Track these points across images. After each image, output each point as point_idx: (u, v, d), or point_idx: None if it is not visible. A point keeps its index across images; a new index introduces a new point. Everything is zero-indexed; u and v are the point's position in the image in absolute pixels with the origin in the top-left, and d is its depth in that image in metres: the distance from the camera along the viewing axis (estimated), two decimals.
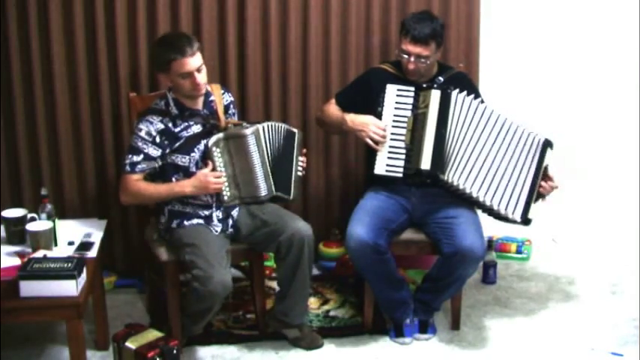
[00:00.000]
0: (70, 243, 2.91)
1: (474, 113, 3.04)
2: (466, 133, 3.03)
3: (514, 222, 3.09)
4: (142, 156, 2.91)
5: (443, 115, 3.00)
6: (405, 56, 3.08)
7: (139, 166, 2.91)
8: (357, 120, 3.12)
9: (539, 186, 3.07)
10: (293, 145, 3.06)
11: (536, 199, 3.08)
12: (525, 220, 3.07)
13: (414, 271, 3.62)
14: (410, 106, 3.07)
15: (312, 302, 3.39)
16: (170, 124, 2.94)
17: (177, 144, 2.95)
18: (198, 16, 3.44)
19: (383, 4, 3.62)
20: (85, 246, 2.88)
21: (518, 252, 3.96)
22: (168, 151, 2.94)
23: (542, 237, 4.11)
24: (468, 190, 3.01)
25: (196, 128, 2.98)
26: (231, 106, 3.17)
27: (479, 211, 3.18)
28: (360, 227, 3.00)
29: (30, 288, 2.53)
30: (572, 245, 4.08)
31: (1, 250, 2.84)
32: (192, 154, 2.97)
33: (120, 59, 3.39)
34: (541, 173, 3.07)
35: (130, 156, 2.92)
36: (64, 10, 3.32)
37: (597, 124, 4.05)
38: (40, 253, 2.73)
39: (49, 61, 3.35)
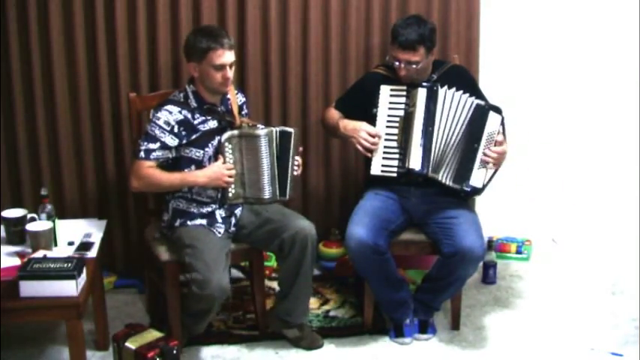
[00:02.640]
0: (70, 243, 2.91)
1: (461, 108, 3.00)
2: (459, 130, 3.01)
3: (456, 191, 3.01)
4: (158, 144, 2.90)
5: (430, 113, 2.99)
6: (397, 63, 3.05)
7: (154, 154, 2.90)
8: (349, 126, 3.11)
9: (482, 152, 2.98)
10: (289, 145, 3.05)
11: (481, 166, 2.99)
12: (464, 188, 2.99)
13: (414, 271, 3.61)
14: (403, 106, 3.07)
15: (312, 302, 3.38)
16: (189, 116, 2.95)
17: (194, 136, 2.95)
18: (198, 16, 3.43)
19: (383, 5, 3.62)
20: (85, 246, 2.88)
21: (518, 252, 3.96)
22: (185, 142, 2.93)
23: (542, 237, 4.12)
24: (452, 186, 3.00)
25: (212, 124, 2.99)
26: (245, 106, 3.18)
27: (479, 211, 3.17)
28: (359, 228, 2.99)
29: (30, 288, 2.53)
30: (572, 245, 4.08)
31: (1, 250, 2.84)
32: (207, 149, 2.97)
33: (120, 59, 3.39)
34: (483, 139, 2.98)
35: (145, 143, 2.91)
36: (64, 10, 3.32)
37: (597, 123, 4.05)
38: (40, 253, 2.73)
39: (49, 61, 3.35)
